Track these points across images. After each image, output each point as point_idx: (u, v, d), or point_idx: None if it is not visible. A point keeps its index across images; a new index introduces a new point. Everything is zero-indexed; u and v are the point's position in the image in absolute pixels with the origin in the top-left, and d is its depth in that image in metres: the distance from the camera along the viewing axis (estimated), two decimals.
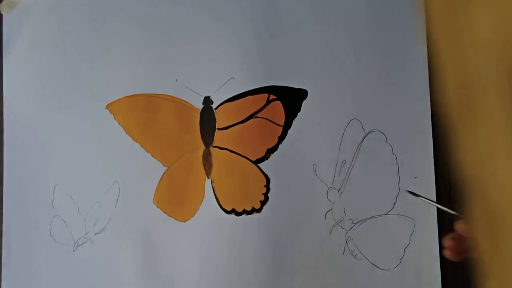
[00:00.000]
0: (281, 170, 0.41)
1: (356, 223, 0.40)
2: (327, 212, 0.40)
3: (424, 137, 0.40)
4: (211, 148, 0.43)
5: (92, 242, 0.43)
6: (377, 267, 0.40)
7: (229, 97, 0.43)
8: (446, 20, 0.14)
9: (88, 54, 0.45)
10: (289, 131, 0.42)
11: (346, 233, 0.40)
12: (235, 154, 0.42)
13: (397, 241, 0.40)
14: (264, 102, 0.42)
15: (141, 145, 0.43)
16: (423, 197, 0.36)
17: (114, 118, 0.44)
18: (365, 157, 0.41)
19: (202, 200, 0.42)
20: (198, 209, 0.42)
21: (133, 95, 0.44)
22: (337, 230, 0.40)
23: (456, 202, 0.38)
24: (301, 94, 0.41)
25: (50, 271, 0.44)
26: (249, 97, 0.42)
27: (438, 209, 0.39)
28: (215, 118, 0.43)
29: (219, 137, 0.43)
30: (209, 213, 0.42)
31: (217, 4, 0.43)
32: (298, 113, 0.42)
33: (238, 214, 0.41)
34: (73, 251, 0.44)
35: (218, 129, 0.43)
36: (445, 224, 0.39)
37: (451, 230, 0.40)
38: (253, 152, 0.42)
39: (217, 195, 0.42)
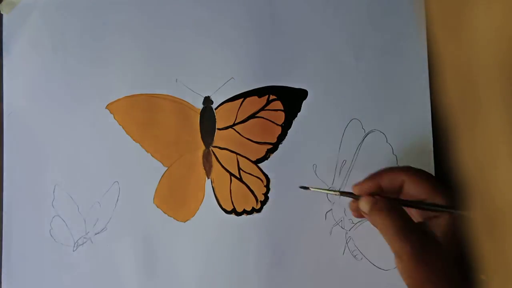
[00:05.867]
0: (281, 170, 0.41)
1: (356, 223, 0.40)
2: (327, 212, 0.40)
3: (424, 137, 0.40)
4: (211, 148, 0.43)
5: (92, 242, 0.43)
6: (377, 267, 0.40)
7: (229, 97, 0.43)
8: (446, 20, 0.14)
9: (88, 54, 0.45)
10: (289, 131, 0.42)
11: (346, 233, 0.40)
12: (235, 154, 0.42)
13: None
14: (264, 102, 0.42)
15: (141, 145, 0.43)
16: (317, 188, 0.38)
17: (114, 118, 0.44)
18: (365, 157, 0.41)
19: (202, 200, 0.42)
20: (198, 209, 0.42)
21: (133, 95, 0.44)
22: (337, 230, 0.40)
23: (456, 202, 0.38)
24: (301, 94, 0.41)
25: (50, 271, 0.44)
26: (249, 97, 0.42)
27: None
28: (215, 118, 0.43)
29: (219, 137, 0.43)
30: (209, 213, 0.42)
31: (217, 4, 0.43)
32: (298, 113, 0.42)
33: (238, 214, 0.41)
34: (73, 251, 0.44)
35: (218, 129, 0.43)
36: None
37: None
38: (253, 152, 0.42)
39: (217, 195, 0.42)
